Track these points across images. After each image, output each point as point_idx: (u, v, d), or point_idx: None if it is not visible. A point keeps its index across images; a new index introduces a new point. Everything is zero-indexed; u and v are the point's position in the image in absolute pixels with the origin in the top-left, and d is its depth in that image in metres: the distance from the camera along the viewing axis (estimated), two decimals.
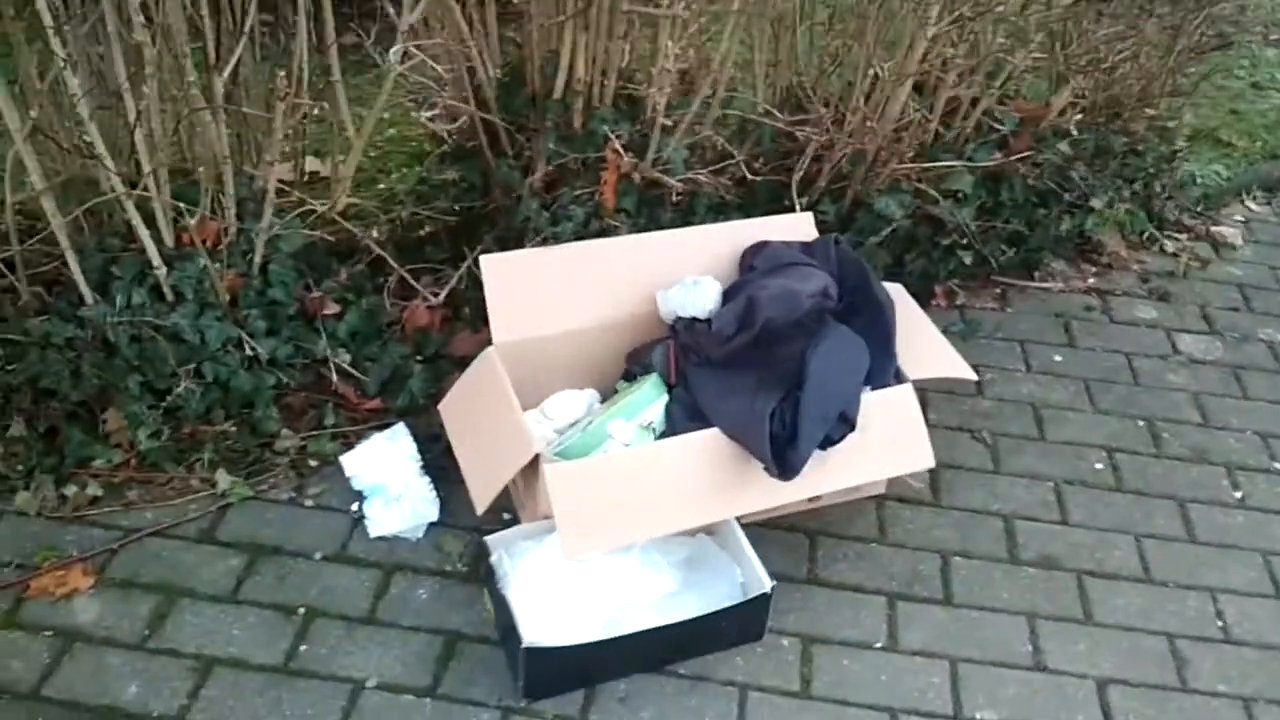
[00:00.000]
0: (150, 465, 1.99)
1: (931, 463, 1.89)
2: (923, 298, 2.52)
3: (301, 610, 1.80)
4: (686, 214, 2.16)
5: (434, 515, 1.96)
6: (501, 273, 1.97)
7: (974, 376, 2.00)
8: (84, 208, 1.83)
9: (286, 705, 1.66)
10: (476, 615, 1.79)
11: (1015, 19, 2.18)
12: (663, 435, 1.89)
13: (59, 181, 1.82)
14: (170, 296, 1.94)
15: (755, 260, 2.04)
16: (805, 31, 2.28)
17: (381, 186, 2.47)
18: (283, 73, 1.65)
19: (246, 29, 1.75)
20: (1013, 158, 2.43)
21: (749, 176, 2.13)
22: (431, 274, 2.22)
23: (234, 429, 2.04)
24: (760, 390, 1.82)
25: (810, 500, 2.00)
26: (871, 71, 2.14)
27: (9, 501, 1.92)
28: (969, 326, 2.52)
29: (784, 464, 1.73)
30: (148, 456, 1.97)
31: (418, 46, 1.73)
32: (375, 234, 2.18)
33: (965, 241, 2.43)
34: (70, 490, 1.94)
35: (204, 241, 1.94)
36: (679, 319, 1.97)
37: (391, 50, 1.70)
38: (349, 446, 2.05)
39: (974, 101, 2.44)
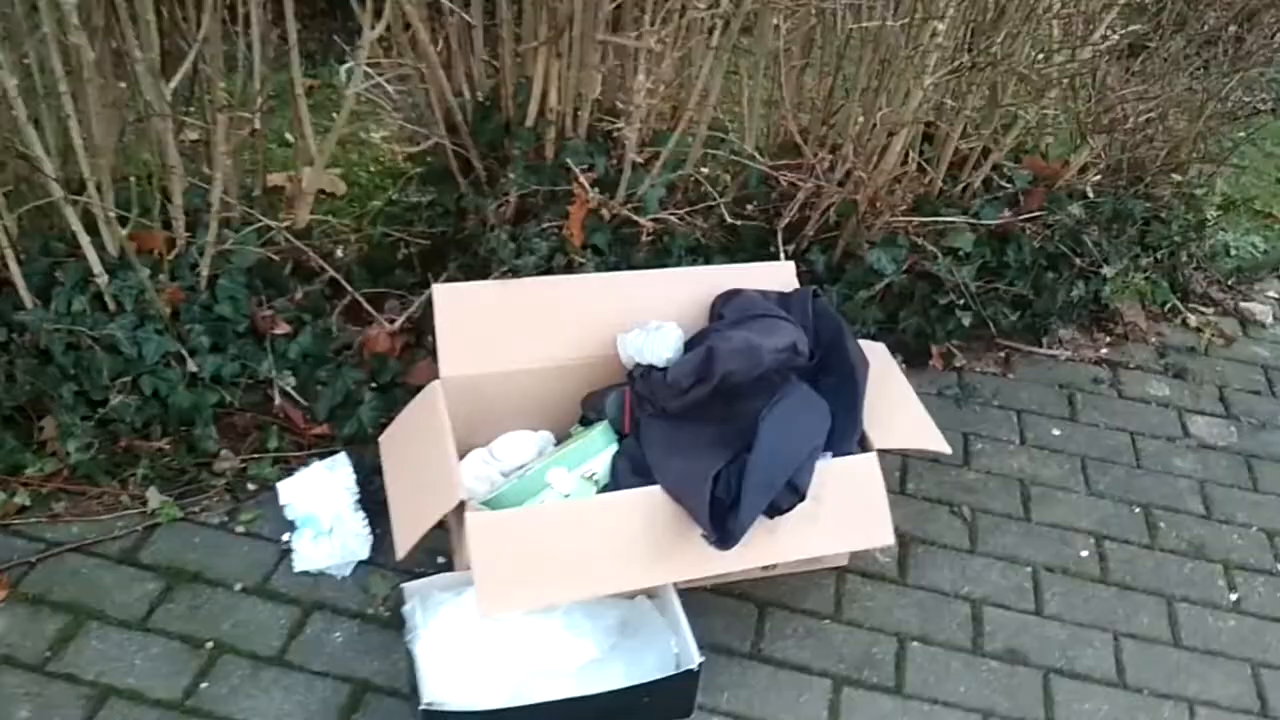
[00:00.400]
0: (82, 478, 1.92)
1: (890, 540, 1.76)
2: (918, 358, 2.40)
3: (210, 644, 1.72)
4: (662, 255, 2.05)
5: (364, 553, 1.87)
6: (455, 304, 1.88)
7: (947, 449, 1.87)
8: (23, 209, 1.77)
9: None
10: (392, 665, 1.69)
11: (1026, 71, 2.05)
12: (606, 488, 1.78)
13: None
14: (112, 306, 1.87)
15: (725, 309, 1.93)
16: (804, 71, 2.17)
17: (354, 205, 2.39)
18: (222, 84, 1.57)
19: (201, 35, 1.68)
20: (1021, 217, 2.30)
21: (728, 219, 2.02)
22: (398, 298, 2.14)
23: (171, 446, 1.96)
24: (711, 449, 1.71)
25: (764, 568, 1.88)
26: (864, 119, 2.02)
27: None
28: (965, 391, 2.38)
29: (723, 531, 1.61)
30: (78, 469, 1.90)
31: (375, 66, 1.64)
32: (341, 254, 2.10)
33: (964, 302, 2.29)
34: None
35: (150, 251, 1.88)
36: (637, 365, 1.86)
37: (343, 68, 1.62)
38: (290, 473, 1.97)
39: (985, 153, 2.32)
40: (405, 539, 1.69)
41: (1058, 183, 2.37)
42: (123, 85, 1.64)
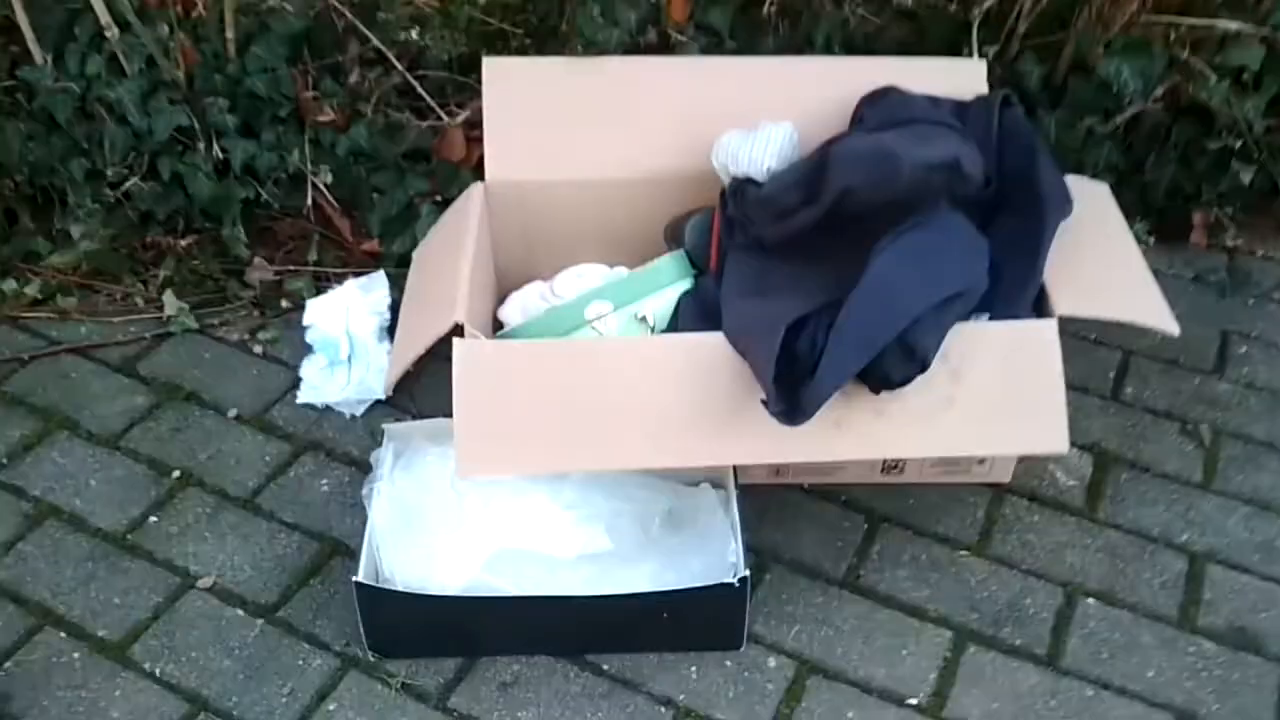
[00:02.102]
0: (99, 272, 1.67)
1: (1063, 446, 1.20)
2: (1171, 227, 1.75)
3: (177, 474, 1.42)
4: (802, 49, 1.53)
5: (381, 392, 1.50)
6: (508, 84, 1.45)
7: (1173, 329, 1.27)
8: None
9: (94, 585, 1.29)
10: None
11: None
12: None
13: None
14: (128, 70, 1.58)
15: (867, 111, 1.39)
16: None
17: None
18: None
19: None
20: None
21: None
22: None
23: (197, 246, 1.67)
24: (803, 293, 1.21)
25: (885, 468, 1.37)
26: None
27: None
28: (1234, 277, 1.72)
29: (790, 399, 1.11)
30: (92, 259, 1.64)
31: None
32: (418, 35, 1.71)
33: (1245, 149, 1.63)
34: (8, 286, 1.66)
35: (175, 4, 1.57)
36: (732, 179, 1.37)
37: None
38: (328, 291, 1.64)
39: None
40: (394, 368, 1.30)
41: None
42: None
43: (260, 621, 1.25)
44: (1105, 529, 1.36)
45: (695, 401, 1.19)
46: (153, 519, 1.36)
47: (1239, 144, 1.62)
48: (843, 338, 1.11)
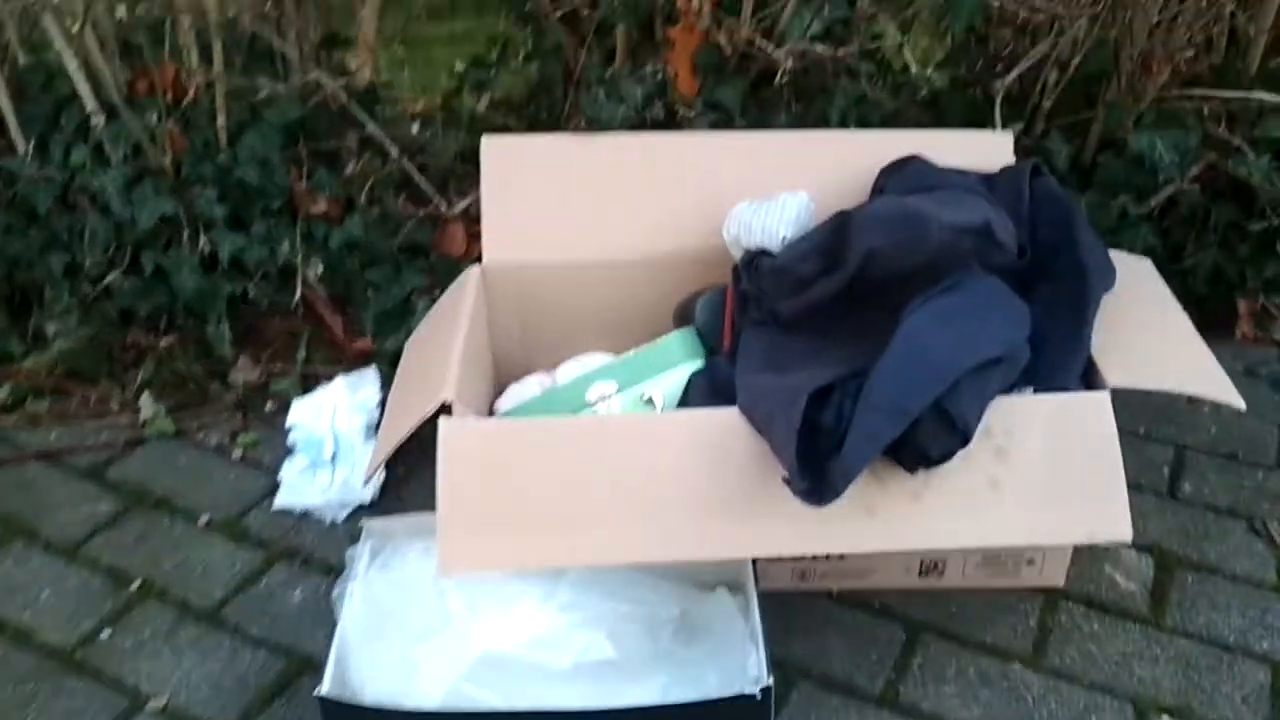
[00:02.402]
0: (73, 374, 1.57)
1: (1127, 533, 1.05)
2: (1216, 317, 1.64)
3: (136, 585, 1.29)
4: (817, 124, 1.46)
5: (367, 495, 1.38)
6: (506, 163, 1.37)
7: (1240, 403, 1.14)
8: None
9: (34, 708, 1.14)
10: None
11: None
12: None
13: None
14: (113, 159, 1.52)
15: (887, 182, 1.31)
16: None
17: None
18: None
19: None
20: None
21: (915, 68, 1.39)
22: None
23: (178, 346, 1.58)
24: (821, 363, 1.10)
25: (924, 572, 1.23)
26: None
27: None
28: None
29: (815, 476, 0.98)
30: (67, 360, 1.55)
31: None
32: (416, 131, 1.66)
33: None
34: None
35: (163, 93, 1.51)
36: (745, 252, 1.27)
37: None
38: None
39: None
40: (377, 455, 1.19)
41: None
42: None
43: None
44: (1175, 637, 1.20)
45: (709, 487, 1.06)
46: (105, 634, 1.22)
47: None
48: (873, 404, 0.98)
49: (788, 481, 0.99)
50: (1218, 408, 1.51)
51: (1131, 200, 1.52)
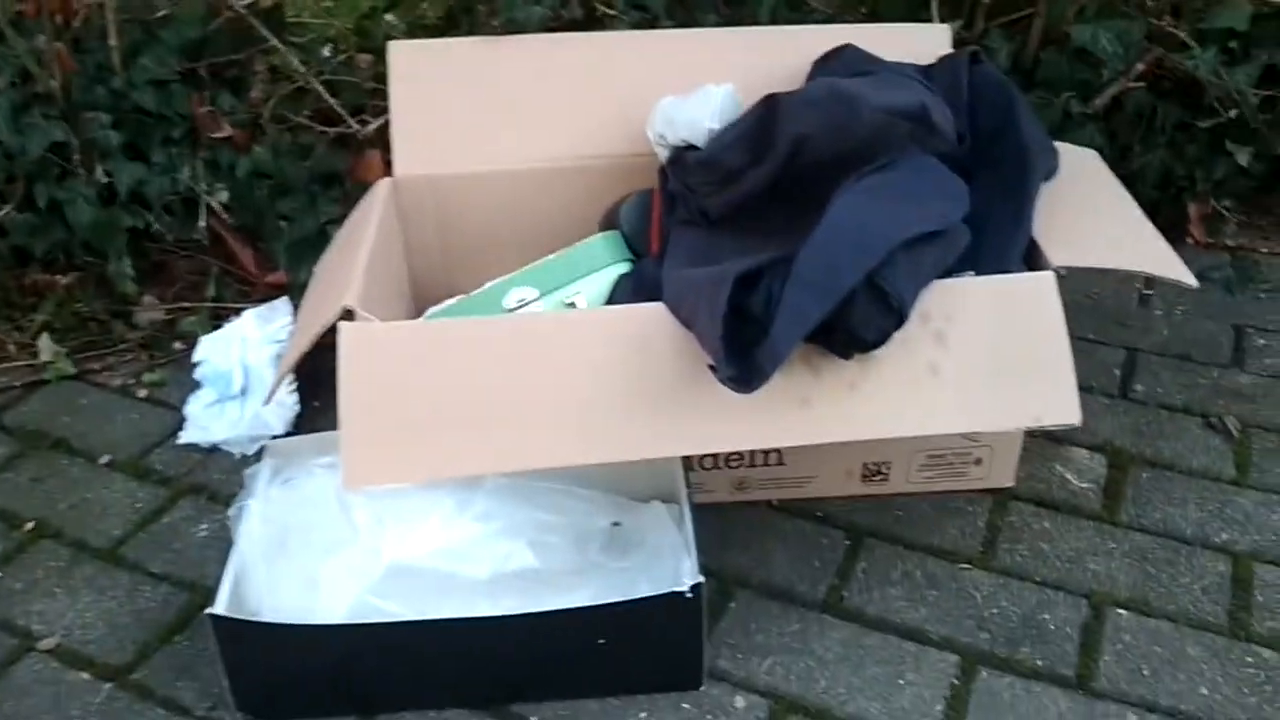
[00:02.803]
0: None
1: (1076, 416, 0.99)
2: (1166, 220, 1.58)
3: (30, 525, 1.20)
4: (745, 23, 1.39)
5: (279, 427, 1.30)
6: (417, 70, 1.29)
7: (1192, 280, 1.09)
8: None
9: None
10: None
11: None
12: None
13: None
14: (1, 83, 1.42)
15: (820, 72, 1.24)
16: None
17: None
18: None
19: None
20: None
21: None
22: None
23: (79, 285, 1.48)
24: (751, 254, 1.03)
25: (868, 474, 1.17)
26: None
27: None
28: (1240, 273, 1.55)
29: (742, 363, 0.91)
30: None
31: None
32: (329, 52, 1.57)
33: (1240, 126, 1.48)
34: None
35: (50, 14, 1.42)
36: (671, 149, 1.20)
37: None
38: None
39: None
40: (278, 374, 1.10)
41: None
42: None
43: (109, 685, 1.01)
44: (1130, 532, 1.14)
45: (634, 386, 0.99)
46: None
47: (1233, 118, 1.47)
48: (801, 281, 0.92)
49: (714, 369, 0.92)
50: (1169, 310, 1.48)
51: (1076, 99, 1.46)
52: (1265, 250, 1.60)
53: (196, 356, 1.39)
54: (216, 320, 1.47)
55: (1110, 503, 1.18)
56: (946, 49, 1.30)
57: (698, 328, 0.97)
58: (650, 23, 1.35)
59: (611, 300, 1.15)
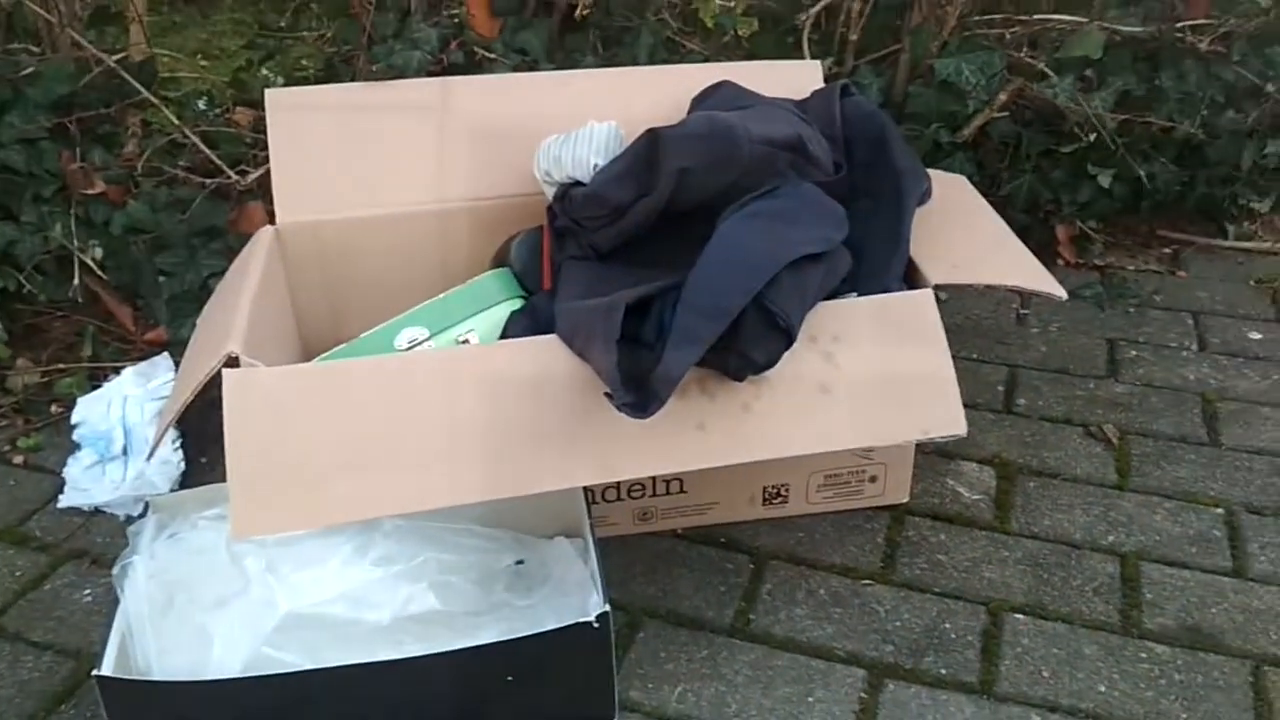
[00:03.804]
0: None
1: (961, 427, 1.02)
2: (1036, 243, 1.65)
3: None
4: (624, 64, 1.41)
5: (164, 485, 1.26)
6: (296, 116, 1.28)
7: (1061, 293, 1.13)
8: None
9: None
10: None
11: None
12: None
13: None
14: None
15: (699, 109, 1.27)
16: None
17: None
18: None
19: None
20: (1180, 25, 1.56)
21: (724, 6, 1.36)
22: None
23: None
24: (642, 284, 1.04)
25: (768, 498, 1.18)
26: None
27: None
28: (1110, 290, 1.62)
29: (635, 387, 0.92)
30: None
31: None
32: (204, 105, 1.54)
33: (1100, 150, 1.55)
34: None
35: None
36: (557, 186, 1.21)
37: None
38: None
39: None
40: (159, 427, 1.07)
41: None
42: None
43: None
44: (1022, 540, 1.18)
45: (530, 418, 0.98)
46: None
47: (1093, 143, 1.55)
48: (691, 306, 0.93)
49: (610, 396, 0.92)
50: (1045, 328, 1.54)
51: (945, 129, 1.52)
52: (1132, 268, 1.68)
53: (75, 418, 1.33)
54: (94, 381, 1.42)
55: (1001, 513, 1.21)
56: (819, 84, 1.35)
57: (592, 357, 0.97)
58: (531, 66, 1.36)
59: (504, 336, 1.14)
